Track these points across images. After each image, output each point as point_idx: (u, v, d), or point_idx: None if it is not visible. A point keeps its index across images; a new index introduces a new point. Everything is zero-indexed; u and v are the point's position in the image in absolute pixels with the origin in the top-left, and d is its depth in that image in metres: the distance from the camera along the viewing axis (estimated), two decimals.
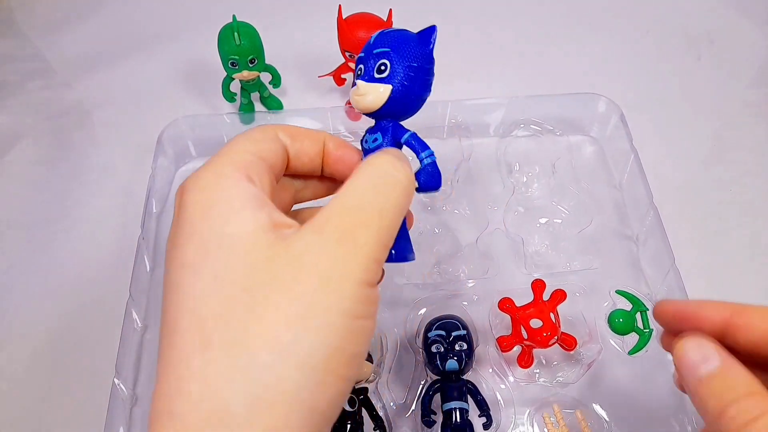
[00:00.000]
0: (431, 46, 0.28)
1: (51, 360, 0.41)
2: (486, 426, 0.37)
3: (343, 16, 0.46)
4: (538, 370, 0.39)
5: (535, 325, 0.38)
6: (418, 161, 0.28)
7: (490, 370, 0.39)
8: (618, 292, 0.41)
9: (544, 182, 0.48)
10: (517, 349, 0.39)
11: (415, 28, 0.29)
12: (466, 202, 0.47)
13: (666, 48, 0.61)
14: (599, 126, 0.52)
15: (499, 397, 0.38)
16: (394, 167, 0.24)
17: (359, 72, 0.27)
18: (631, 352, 0.39)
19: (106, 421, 0.36)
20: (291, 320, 0.19)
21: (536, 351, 0.39)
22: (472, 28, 0.62)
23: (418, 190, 0.27)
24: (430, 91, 0.29)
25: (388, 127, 0.28)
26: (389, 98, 0.27)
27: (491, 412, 0.37)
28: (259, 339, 0.19)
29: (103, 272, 0.45)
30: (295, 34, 0.60)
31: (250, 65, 0.47)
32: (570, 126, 0.52)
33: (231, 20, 0.45)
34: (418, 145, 0.28)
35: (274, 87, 0.53)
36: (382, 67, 0.27)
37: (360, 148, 0.29)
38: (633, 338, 0.40)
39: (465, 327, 0.39)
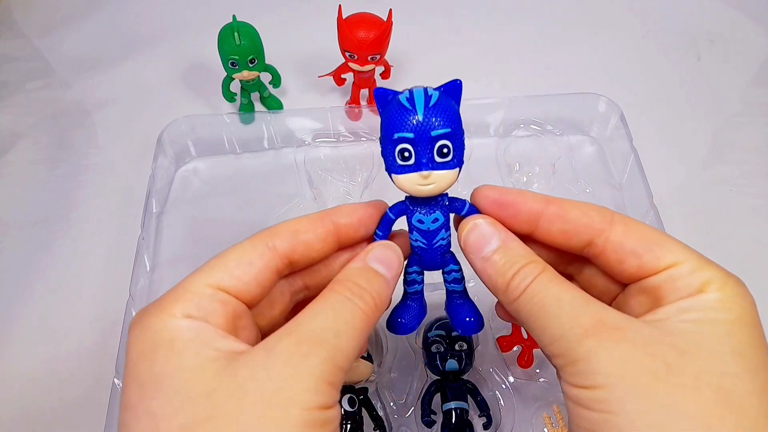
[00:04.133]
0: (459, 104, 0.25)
1: (51, 360, 0.41)
2: (486, 426, 0.37)
3: (343, 16, 0.46)
4: (538, 370, 0.39)
5: None
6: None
7: (490, 370, 0.39)
8: None
9: (544, 182, 0.48)
10: (517, 349, 0.39)
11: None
12: None
13: (666, 48, 0.61)
14: (599, 126, 0.52)
15: (499, 397, 0.38)
16: (356, 293, 0.23)
17: (406, 155, 0.24)
18: None
19: (106, 422, 0.36)
20: None
21: (536, 351, 0.39)
22: (472, 27, 0.62)
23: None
24: None
25: (444, 202, 0.26)
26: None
27: (491, 412, 0.37)
28: None
29: (103, 272, 0.45)
30: (295, 34, 0.60)
31: (250, 65, 0.47)
32: (570, 126, 0.52)
33: (231, 20, 0.46)
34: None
35: (274, 87, 0.53)
36: (445, 150, 0.24)
37: (409, 223, 0.27)
38: None
39: None
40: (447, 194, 0.27)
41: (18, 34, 0.62)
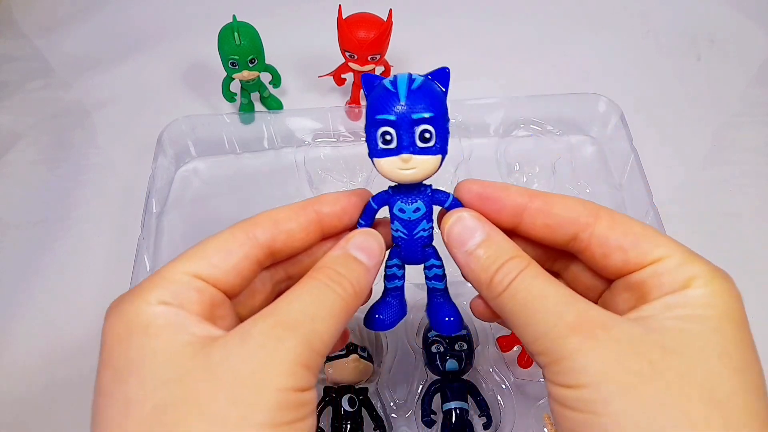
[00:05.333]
0: (447, 92, 0.25)
1: (50, 360, 0.41)
2: (486, 426, 0.37)
3: (343, 16, 0.46)
4: (538, 370, 0.39)
5: None
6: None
7: (490, 370, 0.39)
8: None
9: (544, 182, 0.48)
10: (517, 349, 0.39)
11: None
12: None
13: (666, 48, 0.61)
14: (599, 126, 0.52)
15: (499, 398, 0.38)
16: (335, 280, 0.23)
17: (387, 138, 0.24)
18: None
19: None
20: None
21: None
22: (472, 27, 0.62)
23: None
24: None
25: (427, 192, 0.26)
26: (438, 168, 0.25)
27: (491, 413, 0.37)
28: None
29: (103, 272, 0.45)
30: (295, 34, 0.60)
31: (250, 65, 0.47)
32: (570, 126, 0.52)
33: (231, 20, 0.45)
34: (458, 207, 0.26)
35: (274, 87, 0.53)
36: (427, 135, 0.24)
37: (391, 212, 0.27)
38: None
39: (465, 327, 0.39)
40: (431, 185, 0.26)
41: (18, 34, 0.62)
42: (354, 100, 0.53)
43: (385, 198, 0.27)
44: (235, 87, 0.51)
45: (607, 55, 0.60)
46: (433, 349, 0.37)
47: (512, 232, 0.26)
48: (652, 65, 0.59)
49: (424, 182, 0.26)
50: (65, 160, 0.52)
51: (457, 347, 0.37)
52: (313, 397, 0.21)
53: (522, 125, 0.51)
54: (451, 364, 0.37)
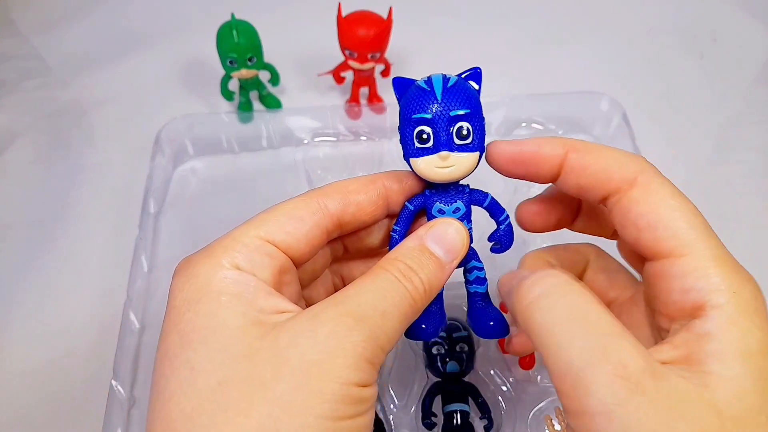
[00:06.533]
0: (480, 90, 0.25)
1: (48, 361, 0.41)
2: (487, 428, 0.36)
3: (343, 14, 0.46)
4: (540, 372, 0.39)
5: None
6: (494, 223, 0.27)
7: (492, 372, 0.39)
8: None
9: None
10: None
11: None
12: None
13: (668, 46, 0.60)
14: (602, 125, 0.51)
15: (500, 399, 0.38)
16: (406, 275, 0.23)
17: (424, 137, 0.24)
18: None
19: (104, 424, 0.35)
20: (263, 423, 0.18)
21: (538, 353, 0.39)
22: (473, 25, 0.62)
23: (494, 250, 0.27)
24: None
25: (465, 191, 0.26)
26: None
27: (492, 415, 0.37)
28: None
29: (101, 273, 0.45)
30: (294, 32, 0.60)
31: (249, 63, 0.47)
32: (572, 125, 0.52)
33: (230, 18, 0.45)
34: (497, 210, 0.26)
35: (273, 85, 0.52)
36: (464, 132, 0.24)
37: (429, 214, 0.26)
38: None
39: (466, 328, 0.38)
40: (468, 185, 0.26)
41: (15, 33, 0.62)
42: (354, 99, 0.53)
43: (421, 200, 0.26)
44: (233, 85, 0.51)
45: (609, 54, 0.59)
46: (434, 350, 0.37)
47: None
48: (654, 63, 0.59)
49: (461, 182, 0.26)
50: (62, 159, 0.52)
51: (458, 349, 0.37)
52: (372, 394, 0.21)
53: (524, 124, 0.51)
54: (451, 365, 0.36)
